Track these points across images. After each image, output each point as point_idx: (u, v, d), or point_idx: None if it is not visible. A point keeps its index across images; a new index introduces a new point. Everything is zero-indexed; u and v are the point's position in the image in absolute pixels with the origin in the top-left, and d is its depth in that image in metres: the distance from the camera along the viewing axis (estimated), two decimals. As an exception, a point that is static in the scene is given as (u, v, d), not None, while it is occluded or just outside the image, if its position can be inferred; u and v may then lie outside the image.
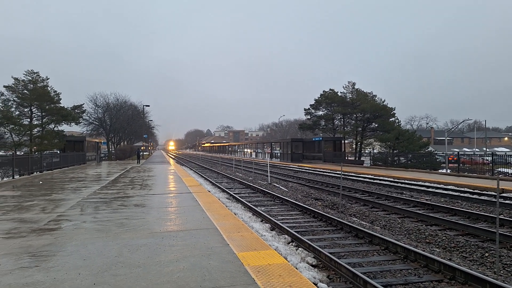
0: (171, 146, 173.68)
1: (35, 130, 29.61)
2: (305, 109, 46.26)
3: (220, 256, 5.05)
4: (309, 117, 46.58)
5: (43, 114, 30.52)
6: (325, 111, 44.79)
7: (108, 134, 50.50)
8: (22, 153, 28.79)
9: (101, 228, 6.82)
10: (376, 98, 41.92)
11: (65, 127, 34.31)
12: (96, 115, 49.78)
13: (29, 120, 29.97)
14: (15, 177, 17.40)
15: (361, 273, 5.70)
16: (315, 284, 5.13)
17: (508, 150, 78.13)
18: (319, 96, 44.22)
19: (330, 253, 6.70)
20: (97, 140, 44.25)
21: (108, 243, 5.71)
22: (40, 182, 15.90)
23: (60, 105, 31.47)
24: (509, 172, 22.64)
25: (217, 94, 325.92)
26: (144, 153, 53.45)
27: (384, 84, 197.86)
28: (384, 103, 40.89)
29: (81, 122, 41.90)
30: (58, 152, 30.37)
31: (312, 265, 6.38)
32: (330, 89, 43.81)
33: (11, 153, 30.44)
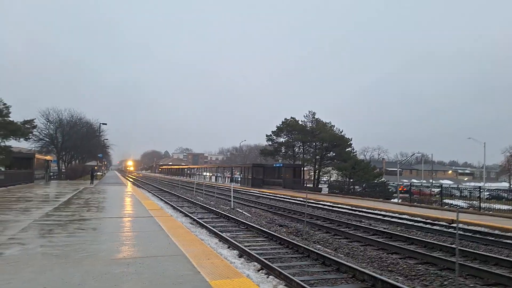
0: (130, 167, 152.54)
1: (-20, 145, 27.50)
2: (267, 135, 46.86)
3: (193, 285, 4.84)
4: (270, 143, 47.15)
5: (-11, 128, 28.47)
6: (286, 138, 45.61)
7: (59, 152, 48.03)
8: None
9: (59, 253, 6.33)
10: (335, 129, 43.29)
11: (12, 143, 32.13)
12: (47, 131, 47.33)
13: (-28, 134, 27.80)
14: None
15: (333, 302, 5.66)
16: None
17: (452, 182, 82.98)
18: (281, 123, 45.04)
19: (302, 281, 6.63)
20: (47, 158, 41.88)
21: (69, 270, 5.30)
22: (-17, 201, 14.69)
23: (9, 118, 29.51)
24: (454, 203, 24.08)
25: (177, 116, 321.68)
26: (97, 173, 51.19)
27: (341, 116, 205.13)
28: (342, 134, 42.30)
29: (30, 138, 39.57)
30: (3, 169, 28.27)
31: (285, 294, 6.26)
32: (291, 117, 44.82)
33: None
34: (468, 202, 24.50)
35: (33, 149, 47.12)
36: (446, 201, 24.46)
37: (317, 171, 43.18)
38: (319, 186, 42.14)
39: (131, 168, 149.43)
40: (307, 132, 43.43)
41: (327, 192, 35.74)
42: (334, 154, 42.01)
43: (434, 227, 14.84)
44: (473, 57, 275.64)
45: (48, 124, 47.54)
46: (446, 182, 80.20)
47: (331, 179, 40.78)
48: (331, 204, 23.60)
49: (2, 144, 29.20)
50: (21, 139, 32.07)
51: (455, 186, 30.33)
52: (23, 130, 30.66)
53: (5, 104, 29.10)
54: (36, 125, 38.17)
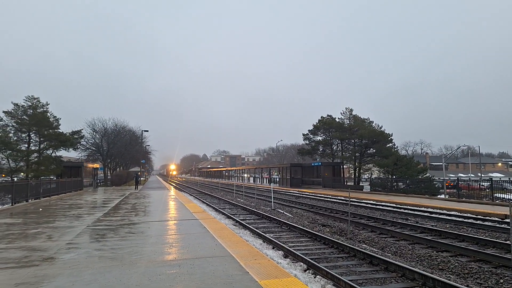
0: (173, 171, 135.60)
1: (33, 155, 29.30)
2: (303, 134, 46.55)
3: (243, 284, 4.95)
4: (307, 142, 46.79)
5: (41, 139, 30.27)
6: (323, 136, 45.07)
7: (105, 160, 50.07)
8: (15, 179, 28.35)
9: (114, 256, 6.67)
10: (374, 124, 42.32)
11: (62, 153, 34.02)
12: (93, 140, 49.50)
13: (26, 145, 29.64)
14: (12, 204, 17.10)
15: (384, 301, 5.59)
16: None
17: (502, 175, 78.65)
18: (317, 121, 44.60)
19: (350, 280, 6.59)
20: (94, 166, 43.89)
21: (125, 272, 5.58)
22: (40, 209, 15.64)
23: (59, 130, 31.27)
24: (506, 197, 22.82)
25: (214, 120, 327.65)
26: (141, 179, 52.96)
27: (380, 111, 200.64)
28: (381, 129, 41.26)
29: (78, 148, 41.60)
30: (55, 178, 29.93)
31: (334, 293, 6.26)
32: (328, 115, 44.28)
33: (3, 179, 30.02)
34: (522, 196, 23.11)
35: (80, 158, 49.51)
36: (497, 195, 23.28)
37: (357, 168, 42.35)
38: (360, 184, 41.32)
39: (174, 173, 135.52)
40: (345, 129, 42.72)
41: (369, 190, 34.98)
42: (374, 150, 41.03)
43: (486, 223, 14.28)
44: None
45: (94, 133, 49.66)
46: (496, 175, 76.18)
47: (373, 177, 39.87)
48: (374, 202, 23.14)
49: (53, 154, 31.02)
50: (70, 149, 33.81)
51: (507, 179, 28.76)
52: (71, 140, 32.40)
53: (55, 117, 30.98)
54: (83, 135, 40.16)
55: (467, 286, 6.94)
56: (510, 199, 22.15)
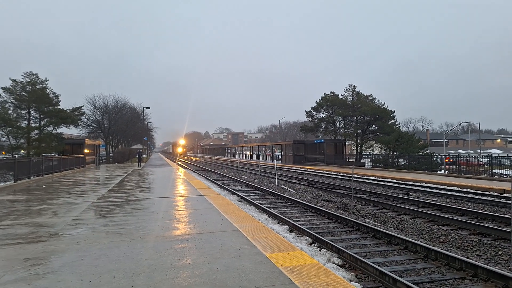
0: (182, 147, 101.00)
1: (33, 132, 29.21)
2: (306, 112, 46.38)
3: (251, 258, 5.02)
4: (310, 119, 46.70)
5: (42, 116, 30.07)
6: (326, 113, 44.96)
7: (106, 137, 50.09)
8: (16, 156, 28.38)
9: (121, 231, 6.73)
10: (376, 101, 42.16)
11: (63, 130, 33.89)
12: (94, 117, 49.39)
13: (26, 122, 29.45)
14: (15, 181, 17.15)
15: (389, 272, 5.69)
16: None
17: (501, 151, 78.80)
18: (320, 98, 44.37)
19: (355, 253, 6.70)
20: (96, 143, 43.94)
21: (134, 246, 5.65)
22: (43, 186, 15.72)
23: (59, 107, 31.03)
24: (504, 173, 22.97)
25: (216, 97, 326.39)
26: (143, 156, 53.11)
27: (383, 88, 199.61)
28: (384, 106, 41.09)
29: (79, 125, 41.47)
30: (56, 155, 29.93)
31: (339, 265, 6.39)
32: (331, 92, 44.02)
33: (4, 156, 30.05)
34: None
35: (82, 135, 49.48)
36: (496, 171, 23.43)
37: (359, 145, 42.44)
38: (362, 161, 41.49)
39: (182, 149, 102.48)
40: (348, 106, 42.55)
41: (370, 166, 35.17)
42: (376, 127, 41.01)
43: (485, 198, 14.46)
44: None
45: (95, 110, 49.50)
46: (494, 152, 76.25)
47: (374, 153, 39.97)
48: (375, 178, 23.28)
49: (54, 131, 30.90)
50: (71, 126, 33.69)
51: (505, 155, 28.90)
52: (72, 117, 32.23)
53: (55, 93, 30.71)
54: (84, 112, 39.90)
55: (468, 257, 7.06)
56: (508, 174, 22.31)
